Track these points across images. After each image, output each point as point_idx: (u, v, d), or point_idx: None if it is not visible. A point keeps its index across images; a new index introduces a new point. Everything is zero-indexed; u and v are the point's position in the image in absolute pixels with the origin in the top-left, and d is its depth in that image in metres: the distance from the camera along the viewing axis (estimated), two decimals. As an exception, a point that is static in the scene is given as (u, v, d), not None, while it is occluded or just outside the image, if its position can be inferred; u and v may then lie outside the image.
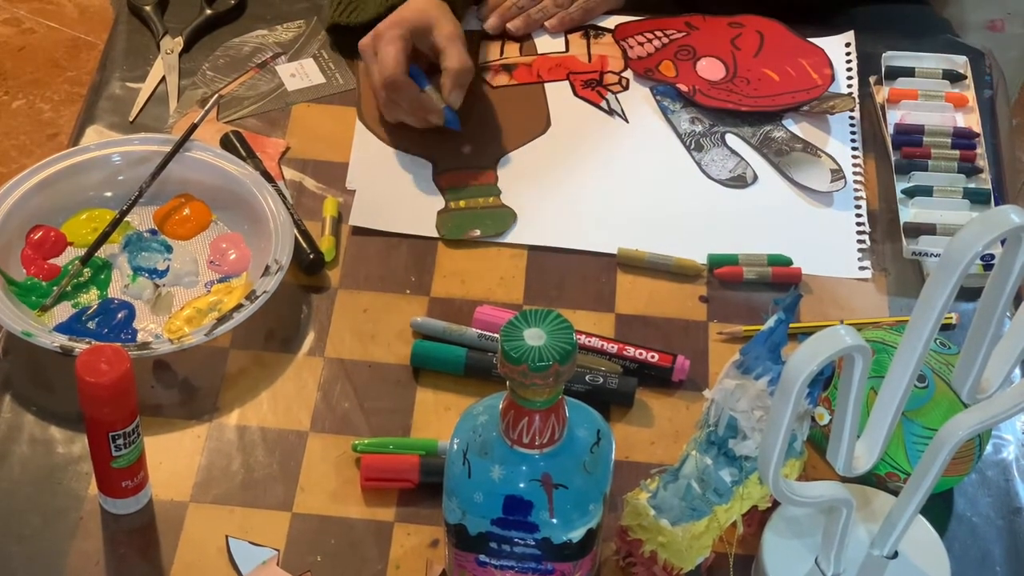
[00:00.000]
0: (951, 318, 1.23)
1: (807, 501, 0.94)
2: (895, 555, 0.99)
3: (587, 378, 1.15)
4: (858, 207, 1.33)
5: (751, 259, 1.27)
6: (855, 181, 1.35)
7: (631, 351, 1.18)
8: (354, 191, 1.32)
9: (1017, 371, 1.05)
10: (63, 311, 1.20)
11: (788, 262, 1.27)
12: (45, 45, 2.66)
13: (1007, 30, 1.68)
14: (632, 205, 1.33)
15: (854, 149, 1.38)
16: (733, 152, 1.37)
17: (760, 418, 1.01)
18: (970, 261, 0.81)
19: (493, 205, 1.31)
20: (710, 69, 1.44)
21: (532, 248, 1.28)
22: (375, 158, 1.35)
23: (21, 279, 1.22)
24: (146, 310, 1.21)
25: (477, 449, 0.93)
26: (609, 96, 1.42)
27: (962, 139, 1.36)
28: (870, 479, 1.06)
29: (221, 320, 1.16)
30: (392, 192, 1.32)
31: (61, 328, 1.18)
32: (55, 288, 1.21)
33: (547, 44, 1.46)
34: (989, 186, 1.32)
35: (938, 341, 1.10)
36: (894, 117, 1.38)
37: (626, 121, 1.40)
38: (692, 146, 1.38)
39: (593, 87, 1.42)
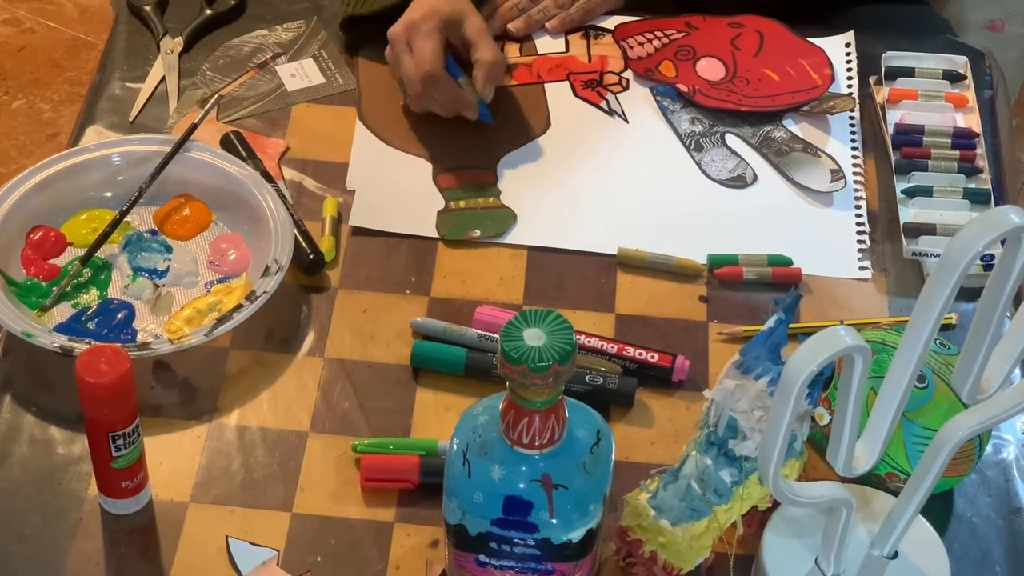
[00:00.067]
0: (951, 318, 1.23)
1: (807, 501, 0.94)
2: (895, 555, 0.99)
3: (587, 378, 1.15)
4: (858, 207, 1.33)
5: (751, 259, 1.27)
6: (855, 181, 1.35)
7: (631, 351, 1.18)
8: (354, 191, 1.32)
9: (1017, 371, 1.05)
10: (63, 311, 1.20)
11: (788, 262, 1.27)
12: (45, 45, 2.66)
13: (1007, 30, 1.68)
14: (632, 205, 1.33)
15: (854, 149, 1.38)
16: (733, 152, 1.37)
17: (760, 418, 1.01)
18: (970, 261, 0.81)
19: (493, 205, 1.31)
20: (710, 69, 1.44)
21: (532, 248, 1.28)
22: (375, 158, 1.35)
23: (21, 279, 1.22)
24: (146, 310, 1.21)
25: (477, 449, 0.93)
26: (609, 96, 1.42)
27: (962, 139, 1.36)
28: (870, 479, 1.06)
29: (221, 320, 1.16)
30: (392, 192, 1.32)
31: (61, 328, 1.18)
32: (55, 288, 1.21)
33: (547, 44, 1.46)
34: (989, 186, 1.32)
35: (938, 341, 1.10)
36: (894, 117, 1.38)
37: (626, 121, 1.40)
38: (692, 146, 1.38)
39: (593, 87, 1.42)
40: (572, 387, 1.14)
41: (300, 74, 1.42)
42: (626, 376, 1.17)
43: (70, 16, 2.72)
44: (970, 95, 1.40)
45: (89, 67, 2.57)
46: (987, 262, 1.23)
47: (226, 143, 1.33)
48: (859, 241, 1.30)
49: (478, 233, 1.29)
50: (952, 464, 0.93)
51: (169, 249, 1.26)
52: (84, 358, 0.98)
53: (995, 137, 1.40)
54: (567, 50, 1.46)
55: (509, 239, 1.29)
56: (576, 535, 0.95)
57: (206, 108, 1.33)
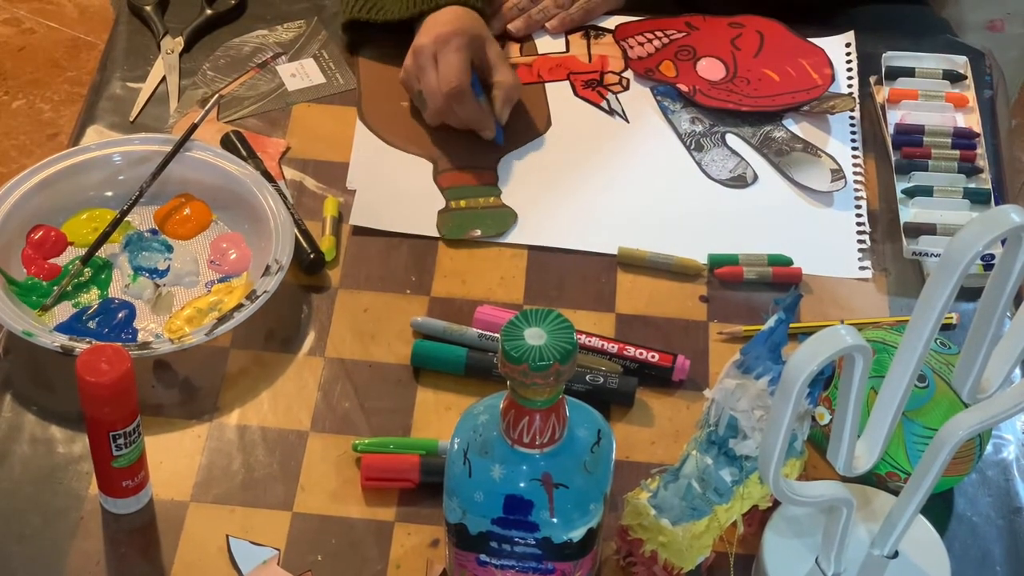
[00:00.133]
0: (951, 318, 1.23)
1: (807, 501, 0.94)
2: (895, 555, 0.99)
3: (587, 378, 1.15)
4: (858, 207, 1.33)
5: (751, 259, 1.27)
6: (855, 181, 1.35)
7: (631, 351, 1.18)
8: (354, 191, 1.32)
9: (1017, 371, 1.05)
10: (64, 311, 1.20)
11: (788, 262, 1.28)
12: (45, 45, 2.66)
13: (1007, 30, 1.68)
14: (632, 205, 1.33)
15: (854, 149, 1.38)
16: (733, 152, 1.37)
17: (760, 418, 1.01)
18: (970, 261, 0.81)
19: (493, 205, 1.31)
20: (710, 69, 1.44)
21: (532, 248, 1.28)
22: (375, 158, 1.35)
23: (22, 279, 1.22)
24: (146, 310, 1.21)
25: (478, 449, 0.93)
26: (609, 96, 1.42)
27: (962, 139, 1.36)
28: (870, 479, 1.06)
29: (221, 320, 1.16)
30: (392, 192, 1.32)
31: (62, 328, 1.18)
32: (56, 288, 1.21)
33: (547, 44, 1.47)
34: (989, 186, 1.33)
35: (938, 341, 1.10)
36: (894, 117, 1.38)
37: (626, 121, 1.40)
38: (692, 146, 1.38)
39: (593, 87, 1.43)
40: (573, 386, 1.14)
41: (300, 74, 1.42)
42: (626, 376, 1.17)
43: (70, 16, 2.72)
44: (970, 95, 1.40)
45: (89, 67, 2.58)
46: (987, 262, 1.23)
47: (227, 143, 1.33)
48: (859, 241, 1.30)
49: (479, 232, 1.29)
50: (952, 464, 0.93)
51: (170, 248, 1.26)
52: (85, 357, 0.98)
53: (995, 137, 1.40)
54: (567, 50, 1.46)
55: (510, 239, 1.29)
56: (577, 534, 0.95)
57: (207, 108, 1.33)
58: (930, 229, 1.28)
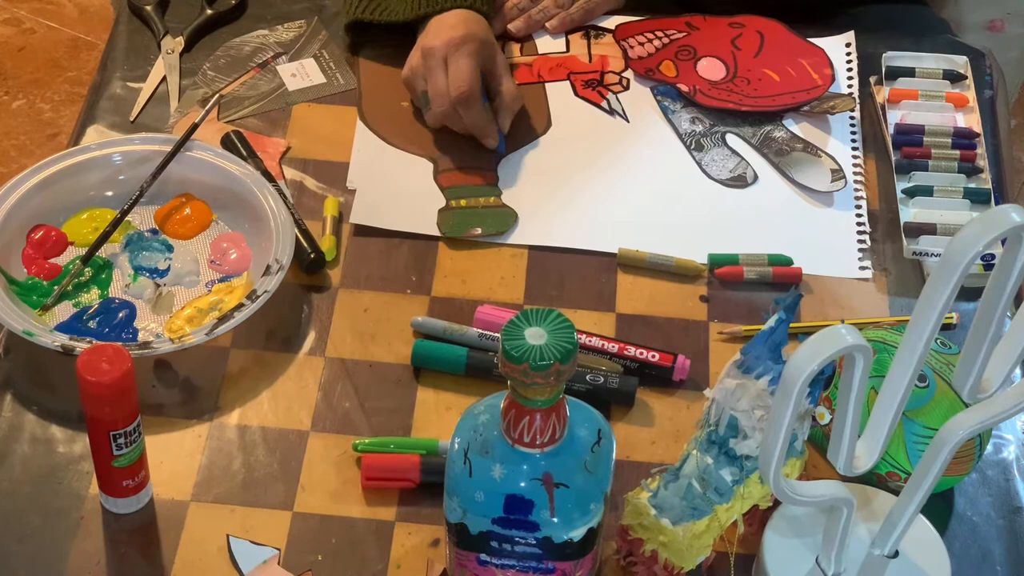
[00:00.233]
0: (951, 318, 1.23)
1: (808, 500, 0.94)
2: (896, 554, 1.00)
3: (588, 377, 1.15)
4: (858, 207, 1.33)
5: (751, 259, 1.27)
6: (855, 181, 1.35)
7: (632, 351, 1.18)
8: (355, 191, 1.32)
9: (1017, 371, 1.05)
10: (64, 310, 1.20)
11: (788, 262, 1.28)
12: (45, 45, 2.66)
13: (1007, 30, 1.68)
14: (632, 205, 1.33)
15: (854, 149, 1.38)
16: (733, 152, 1.37)
17: (761, 417, 1.01)
18: (970, 261, 0.81)
19: (494, 205, 1.31)
20: (710, 69, 1.44)
21: (533, 248, 1.28)
22: (376, 158, 1.35)
23: (22, 278, 1.22)
24: (147, 309, 1.21)
25: (478, 448, 0.93)
26: (610, 96, 1.42)
27: (962, 139, 1.36)
28: (871, 478, 1.06)
29: (222, 319, 1.16)
30: (393, 192, 1.32)
31: (62, 327, 1.18)
32: (56, 287, 1.21)
33: (548, 44, 1.47)
34: (989, 186, 1.33)
35: (939, 341, 1.10)
36: (894, 117, 1.38)
37: (627, 121, 1.40)
38: (692, 146, 1.38)
39: (594, 87, 1.43)
40: (573, 386, 1.14)
41: (301, 74, 1.42)
42: (627, 375, 1.17)
43: (70, 16, 2.72)
44: (970, 95, 1.40)
45: (89, 67, 2.58)
46: (987, 262, 1.23)
47: (227, 143, 1.33)
48: (859, 241, 1.30)
49: (479, 231, 1.29)
50: (952, 463, 0.94)
51: (170, 248, 1.26)
52: (85, 357, 0.98)
53: (995, 137, 1.40)
54: (568, 50, 1.46)
55: (510, 239, 1.29)
56: (577, 534, 0.95)
57: (207, 108, 1.33)
58: (930, 229, 1.28)
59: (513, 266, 1.27)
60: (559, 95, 1.42)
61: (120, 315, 1.20)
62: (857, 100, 1.41)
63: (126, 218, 1.25)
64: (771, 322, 1.03)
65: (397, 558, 1.06)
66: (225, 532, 1.07)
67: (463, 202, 1.31)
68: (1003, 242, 0.83)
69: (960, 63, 1.43)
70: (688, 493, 1.01)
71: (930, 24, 1.57)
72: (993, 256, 1.19)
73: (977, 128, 1.37)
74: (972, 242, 0.81)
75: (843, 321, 1.18)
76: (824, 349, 0.83)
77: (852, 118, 1.40)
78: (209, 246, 1.26)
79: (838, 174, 1.35)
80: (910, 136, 1.36)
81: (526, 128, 1.38)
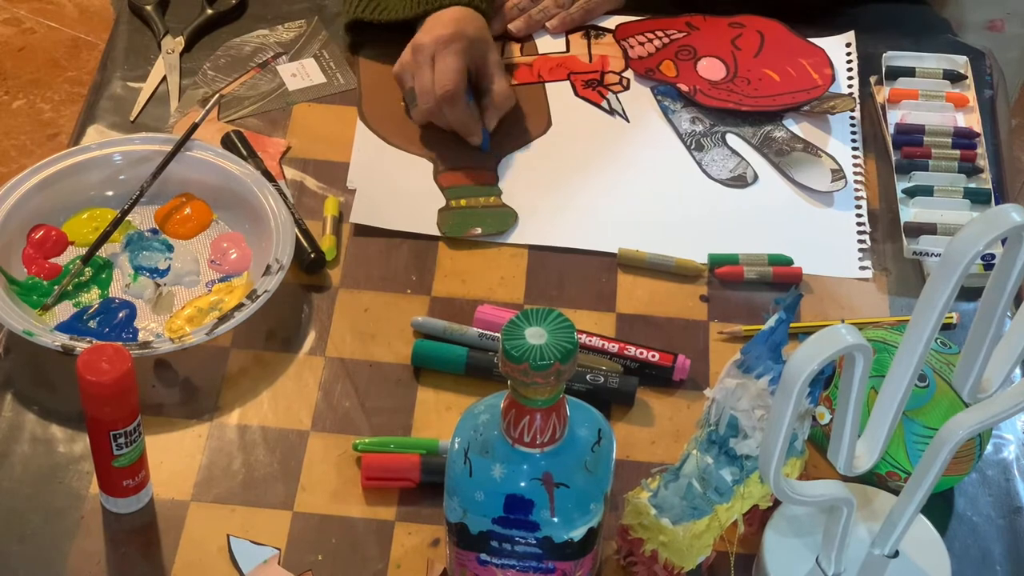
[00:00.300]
0: (951, 318, 1.23)
1: (808, 500, 0.94)
2: (896, 554, 1.00)
3: (588, 377, 1.15)
4: (859, 207, 1.33)
5: (752, 259, 1.27)
6: (856, 181, 1.35)
7: (632, 350, 1.18)
8: (355, 190, 1.32)
9: (1017, 371, 1.05)
10: (64, 310, 1.20)
11: (789, 262, 1.28)
12: (45, 45, 2.66)
13: (1007, 30, 1.68)
14: (632, 205, 1.33)
15: (854, 149, 1.38)
16: (734, 152, 1.37)
17: (761, 417, 1.01)
18: (971, 261, 0.81)
19: (494, 205, 1.31)
20: (711, 69, 1.44)
21: (533, 248, 1.28)
22: (376, 158, 1.35)
23: (22, 278, 1.22)
24: (147, 309, 1.21)
25: (478, 448, 0.93)
26: (610, 96, 1.42)
27: (962, 139, 1.36)
28: (871, 478, 1.06)
29: (222, 319, 1.16)
30: (393, 191, 1.32)
31: (62, 327, 1.18)
32: (56, 287, 1.21)
33: (548, 44, 1.47)
34: (989, 186, 1.33)
35: (939, 341, 1.10)
36: (894, 117, 1.38)
37: (627, 121, 1.40)
38: (693, 146, 1.38)
39: (594, 87, 1.43)
40: (573, 386, 1.14)
41: (301, 74, 1.42)
42: (627, 375, 1.17)
43: (70, 16, 2.72)
44: (970, 95, 1.40)
45: (89, 67, 2.58)
46: (988, 262, 1.23)
47: (227, 142, 1.33)
48: (860, 241, 1.30)
49: (479, 231, 1.29)
50: (953, 463, 0.94)
51: (170, 248, 1.26)
52: (85, 357, 0.98)
53: (995, 137, 1.40)
54: (568, 50, 1.46)
55: (510, 239, 1.29)
56: (577, 534, 0.95)
57: (207, 107, 1.33)
58: (930, 229, 1.28)
59: (513, 266, 1.27)
60: (559, 95, 1.42)
61: (120, 315, 1.20)
62: (857, 100, 1.41)
63: (126, 218, 1.25)
64: (771, 322, 1.03)
65: (397, 558, 1.06)
66: (225, 532, 1.07)
67: (463, 202, 1.31)
68: (1003, 242, 0.83)
69: (960, 63, 1.43)
70: (688, 493, 1.01)
71: (930, 24, 1.57)
72: (993, 256, 1.19)
73: (977, 128, 1.37)
74: (972, 242, 0.81)
75: (843, 321, 1.18)
76: (824, 349, 0.83)
77: (852, 118, 1.40)
78: (209, 246, 1.26)
79: (838, 174, 1.35)
80: (910, 136, 1.36)
81: (526, 128, 1.38)
